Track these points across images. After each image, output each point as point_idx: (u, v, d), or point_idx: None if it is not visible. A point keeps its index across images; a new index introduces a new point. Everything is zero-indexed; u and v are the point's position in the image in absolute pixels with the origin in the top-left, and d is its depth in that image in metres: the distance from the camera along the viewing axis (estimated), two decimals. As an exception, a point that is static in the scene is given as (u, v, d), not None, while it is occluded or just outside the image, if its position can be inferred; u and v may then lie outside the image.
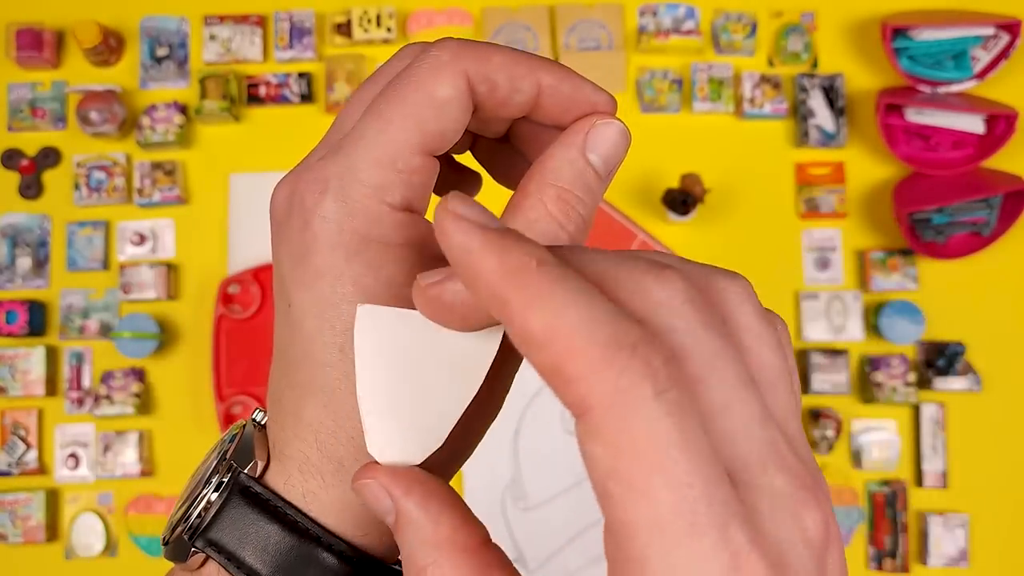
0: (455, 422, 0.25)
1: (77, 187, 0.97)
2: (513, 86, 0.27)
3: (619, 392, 0.18)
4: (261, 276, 0.95)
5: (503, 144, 0.31)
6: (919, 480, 0.95)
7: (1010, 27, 0.95)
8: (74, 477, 0.94)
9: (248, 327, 0.95)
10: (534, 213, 0.26)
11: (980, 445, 0.95)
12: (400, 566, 0.26)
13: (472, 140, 0.31)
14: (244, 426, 0.29)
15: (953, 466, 0.95)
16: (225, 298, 0.95)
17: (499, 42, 1.01)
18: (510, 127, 0.30)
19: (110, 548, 0.94)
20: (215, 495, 0.27)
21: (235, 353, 0.94)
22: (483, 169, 0.32)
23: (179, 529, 0.27)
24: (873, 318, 0.97)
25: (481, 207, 0.21)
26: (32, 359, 0.94)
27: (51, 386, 0.96)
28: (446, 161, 0.32)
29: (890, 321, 0.95)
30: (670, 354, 0.18)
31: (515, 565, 0.25)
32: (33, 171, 0.99)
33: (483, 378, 0.24)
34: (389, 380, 0.24)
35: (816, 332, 0.96)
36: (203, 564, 0.27)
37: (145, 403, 0.95)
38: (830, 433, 0.93)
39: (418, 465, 0.25)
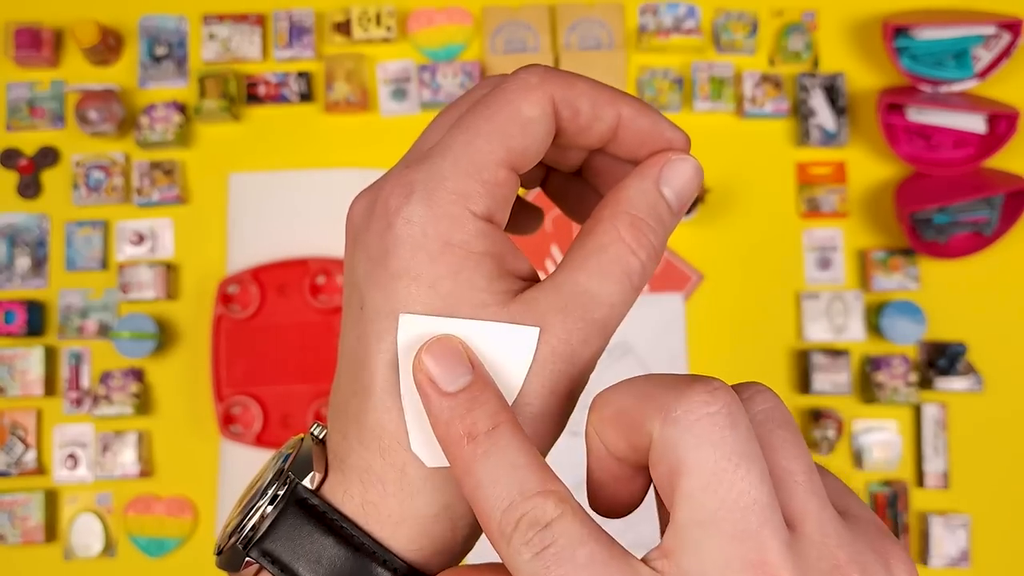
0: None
1: (76, 187, 0.97)
2: (595, 113, 0.28)
3: (509, 558, 0.22)
4: (260, 276, 0.95)
5: (575, 179, 0.32)
6: (920, 480, 0.95)
7: (1011, 26, 0.95)
8: (73, 477, 0.94)
9: (247, 327, 0.94)
10: (607, 238, 0.27)
11: (982, 445, 0.95)
12: None
13: (544, 176, 0.33)
14: (302, 440, 0.29)
15: (954, 466, 0.95)
16: (224, 298, 0.94)
17: (500, 41, 1.02)
18: (584, 161, 0.31)
19: (109, 549, 0.94)
20: (271, 506, 0.27)
21: (234, 353, 0.94)
22: (554, 203, 0.34)
23: (233, 539, 0.27)
24: (874, 318, 0.96)
25: (455, 358, 0.25)
26: (31, 359, 0.94)
27: (50, 386, 0.95)
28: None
29: (891, 321, 0.95)
30: (549, 520, 0.22)
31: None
32: (32, 171, 0.98)
33: (521, 382, 0.26)
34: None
35: (817, 332, 0.96)
36: (256, 575, 0.27)
37: (144, 403, 0.95)
38: (831, 433, 0.93)
39: None
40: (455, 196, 0.26)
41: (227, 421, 0.93)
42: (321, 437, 0.29)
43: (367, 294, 0.27)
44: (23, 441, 0.94)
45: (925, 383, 0.95)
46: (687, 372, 0.96)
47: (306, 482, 0.27)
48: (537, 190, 0.34)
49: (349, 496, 0.27)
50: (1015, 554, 0.95)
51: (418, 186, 0.26)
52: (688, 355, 0.96)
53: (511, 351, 0.26)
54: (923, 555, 0.94)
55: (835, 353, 0.95)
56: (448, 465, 0.25)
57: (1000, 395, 0.96)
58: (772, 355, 0.97)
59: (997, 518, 0.94)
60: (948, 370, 0.95)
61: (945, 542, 0.93)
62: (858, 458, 0.95)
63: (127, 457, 0.93)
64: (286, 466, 0.28)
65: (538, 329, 0.26)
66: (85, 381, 0.95)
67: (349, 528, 0.26)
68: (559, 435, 0.28)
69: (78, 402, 0.95)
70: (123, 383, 0.94)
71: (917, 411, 0.96)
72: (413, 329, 0.26)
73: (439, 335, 0.24)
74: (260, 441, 0.93)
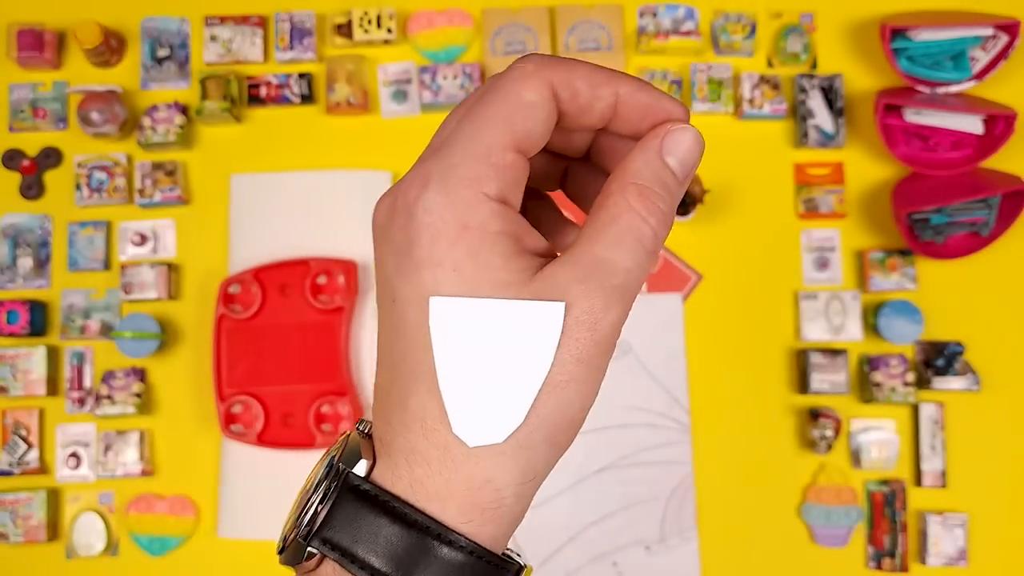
0: (532, 400, 0.27)
1: (78, 187, 0.98)
2: (593, 93, 0.29)
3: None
4: (262, 276, 0.95)
5: (593, 177, 0.33)
6: (918, 480, 0.95)
7: (1009, 28, 0.96)
8: (75, 477, 0.95)
9: (249, 327, 0.95)
10: (617, 209, 0.29)
11: (979, 445, 0.96)
12: (509, 555, 0.29)
13: (562, 175, 0.34)
14: (348, 436, 0.30)
15: (952, 466, 0.95)
16: (226, 298, 0.95)
17: (500, 43, 1.02)
18: (593, 144, 0.32)
19: (111, 548, 0.94)
20: (326, 497, 0.28)
21: (236, 353, 0.94)
22: (576, 205, 0.35)
23: (294, 533, 0.28)
24: (872, 318, 0.97)
25: None
26: (33, 359, 0.95)
27: (52, 386, 0.96)
28: (550, 206, 0.35)
29: (889, 321, 0.95)
30: None
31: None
32: (34, 171, 0.99)
33: (551, 357, 0.27)
34: (466, 366, 0.27)
35: (815, 332, 0.97)
36: (319, 565, 0.28)
37: (146, 403, 0.95)
38: (829, 433, 0.93)
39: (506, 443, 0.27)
40: (467, 180, 0.27)
41: (228, 420, 0.93)
42: (366, 432, 0.30)
43: (397, 286, 0.28)
44: (25, 440, 0.95)
45: (923, 383, 0.96)
46: (686, 374, 0.97)
47: (356, 470, 0.28)
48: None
49: (398, 477, 0.28)
50: (1013, 553, 0.95)
51: (433, 176, 0.28)
52: (687, 355, 0.97)
53: (538, 327, 0.27)
54: (921, 554, 0.94)
55: (833, 353, 0.95)
56: (487, 443, 0.27)
57: (997, 394, 0.96)
58: (770, 355, 0.97)
59: (995, 517, 0.95)
60: (945, 370, 0.95)
61: (943, 541, 0.94)
62: (856, 457, 0.95)
63: (129, 456, 0.94)
64: (336, 459, 0.29)
65: (563, 304, 0.27)
66: (87, 381, 0.96)
67: (401, 507, 0.27)
68: (591, 403, 0.29)
69: (80, 401, 0.95)
70: (125, 383, 0.94)
71: (915, 410, 0.96)
72: (443, 312, 0.27)
73: None
74: (261, 440, 0.93)
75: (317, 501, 0.28)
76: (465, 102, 0.31)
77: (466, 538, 0.27)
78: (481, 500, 0.27)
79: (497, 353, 0.27)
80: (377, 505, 0.27)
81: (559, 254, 0.29)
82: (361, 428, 0.31)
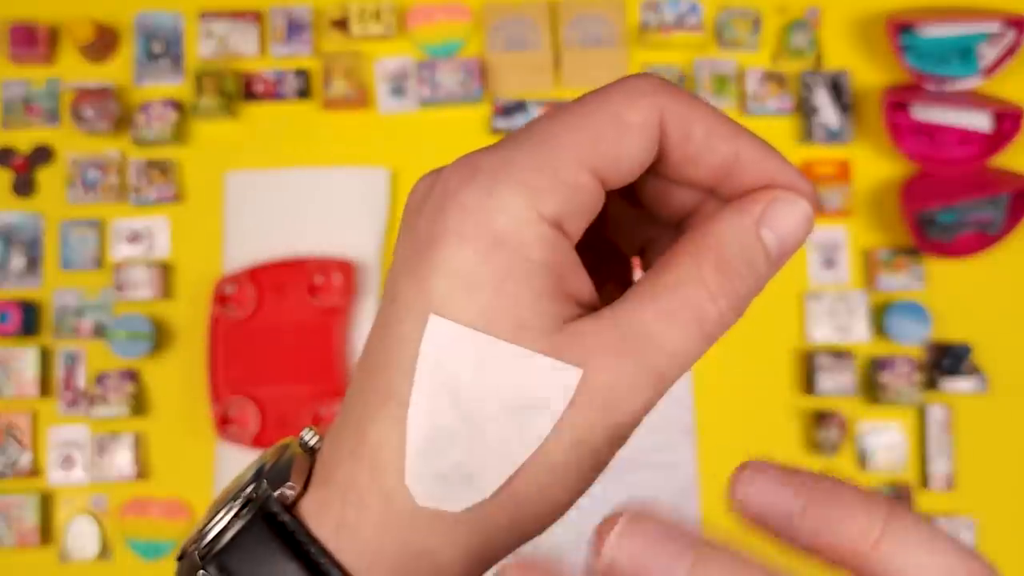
0: (507, 475, 0.22)
1: (71, 185, 0.96)
2: (709, 143, 0.25)
3: None
4: (258, 276, 0.94)
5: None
6: (925, 482, 0.94)
7: (1017, 23, 0.94)
8: (68, 479, 0.93)
9: (244, 328, 0.93)
10: (685, 275, 0.24)
11: (987, 447, 0.94)
12: None
13: (644, 246, 0.29)
14: (287, 445, 0.26)
15: (960, 468, 0.94)
16: (221, 298, 0.93)
17: (500, 37, 1.00)
18: (689, 218, 0.27)
19: (105, 551, 0.93)
20: (237, 517, 0.24)
21: (231, 354, 0.93)
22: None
23: (193, 547, 0.25)
24: (879, 318, 0.95)
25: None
26: (25, 359, 0.93)
27: (45, 387, 0.94)
28: (623, 268, 0.29)
29: (895, 321, 0.94)
30: None
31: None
32: (26, 169, 0.97)
33: (548, 429, 0.22)
34: (447, 408, 0.22)
35: (821, 333, 0.95)
36: None
37: (140, 404, 0.94)
38: (836, 435, 0.92)
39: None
40: (521, 188, 0.22)
41: (223, 422, 0.92)
42: (312, 445, 0.26)
43: (401, 284, 0.23)
44: (19, 442, 0.93)
45: (930, 384, 0.94)
46: (690, 374, 0.95)
47: (282, 493, 0.24)
48: None
49: (326, 515, 0.23)
50: (1021, 557, 0.94)
51: (484, 170, 0.23)
52: (690, 355, 0.95)
53: (543, 389, 0.22)
54: (928, 558, 0.93)
55: (839, 354, 0.94)
56: (438, 506, 0.22)
57: (1006, 396, 0.95)
58: (776, 356, 0.96)
59: (1003, 520, 0.94)
60: (953, 370, 0.94)
61: (950, 545, 0.92)
62: (863, 459, 0.94)
63: (123, 459, 0.92)
64: (265, 471, 0.25)
65: (580, 371, 0.22)
66: (80, 382, 0.94)
67: (317, 554, 0.23)
68: (583, 492, 0.24)
69: (73, 403, 0.94)
70: (118, 384, 0.93)
71: (922, 412, 0.95)
72: (441, 336, 0.22)
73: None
74: (257, 442, 0.92)
75: (228, 517, 0.24)
76: (564, 104, 0.26)
77: None
78: (414, 572, 0.23)
79: (488, 405, 0.22)
80: (290, 545, 0.23)
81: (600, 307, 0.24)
82: (306, 440, 0.26)
